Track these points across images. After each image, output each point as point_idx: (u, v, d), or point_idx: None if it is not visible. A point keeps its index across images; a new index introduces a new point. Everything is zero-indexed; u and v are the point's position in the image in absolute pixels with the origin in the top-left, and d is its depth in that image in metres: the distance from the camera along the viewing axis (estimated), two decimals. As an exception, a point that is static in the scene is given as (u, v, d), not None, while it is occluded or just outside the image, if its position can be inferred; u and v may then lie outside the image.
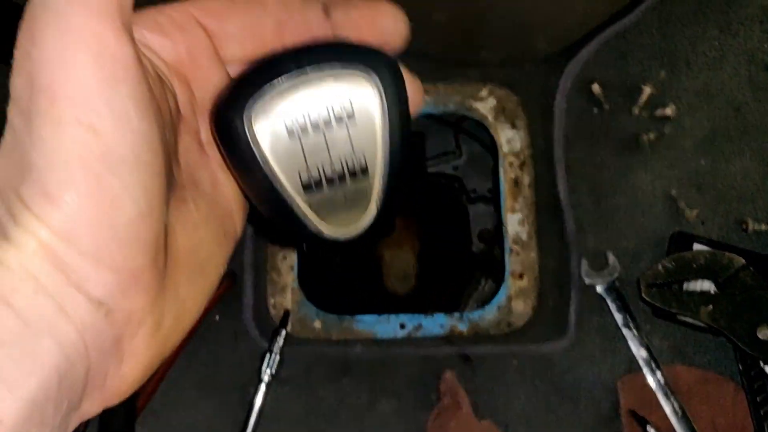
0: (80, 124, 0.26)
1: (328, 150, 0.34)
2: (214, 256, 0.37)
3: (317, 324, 1.04)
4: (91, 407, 0.30)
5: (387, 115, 0.34)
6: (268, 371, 0.96)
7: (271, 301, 1.05)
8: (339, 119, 0.34)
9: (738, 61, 0.99)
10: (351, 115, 0.34)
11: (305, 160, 0.34)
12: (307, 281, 1.06)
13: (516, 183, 1.05)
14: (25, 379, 0.25)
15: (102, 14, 0.26)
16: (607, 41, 1.00)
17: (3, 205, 0.27)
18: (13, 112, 0.27)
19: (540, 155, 1.05)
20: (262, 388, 0.96)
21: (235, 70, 0.38)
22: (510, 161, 1.06)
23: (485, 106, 1.06)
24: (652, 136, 0.98)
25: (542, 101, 1.03)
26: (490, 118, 1.06)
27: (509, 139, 1.06)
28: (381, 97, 0.34)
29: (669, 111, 0.98)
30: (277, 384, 0.97)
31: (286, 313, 1.01)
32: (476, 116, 1.06)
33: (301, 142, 0.34)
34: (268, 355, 0.96)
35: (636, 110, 0.99)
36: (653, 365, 0.94)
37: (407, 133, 0.36)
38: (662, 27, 1.00)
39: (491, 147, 1.11)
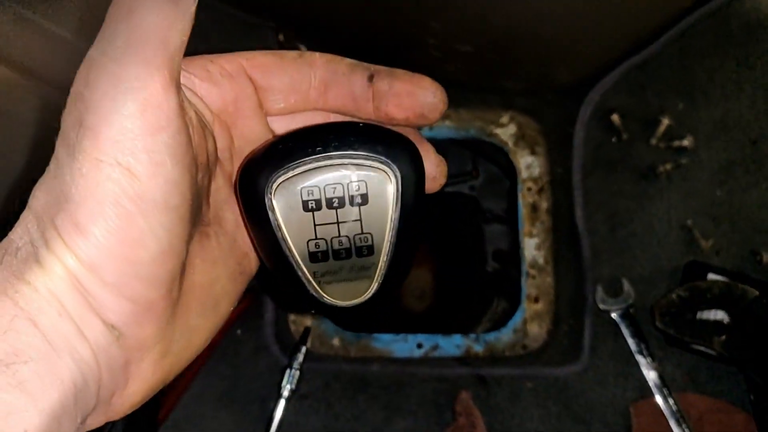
0: (118, 165, 0.28)
1: (338, 226, 0.37)
2: (228, 292, 0.38)
3: (336, 341, 1.06)
4: (95, 421, 0.32)
5: (399, 203, 0.36)
6: (288, 386, 0.98)
7: (291, 317, 1.07)
8: (352, 200, 0.36)
9: (755, 94, 1.01)
10: (365, 198, 0.36)
11: (315, 232, 0.37)
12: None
13: (534, 208, 1.07)
14: (47, 392, 0.27)
15: (153, 67, 0.29)
16: (626, 72, 1.02)
17: (39, 230, 0.29)
18: (59, 145, 0.30)
19: (558, 182, 1.07)
20: (282, 402, 0.98)
21: (277, 123, 0.40)
22: (528, 186, 1.08)
23: (506, 132, 1.08)
24: (669, 166, 1.00)
25: (562, 129, 1.06)
26: (510, 144, 1.08)
27: (528, 165, 1.08)
28: (396, 186, 0.36)
29: (686, 142, 1.00)
30: (296, 399, 0.99)
31: (307, 330, 1.03)
32: (496, 142, 1.09)
33: (314, 215, 0.36)
34: (288, 370, 0.99)
35: (654, 140, 1.01)
36: (665, 391, 0.96)
37: (418, 219, 0.38)
38: (681, 59, 1.01)
39: (508, 170, 1.13)
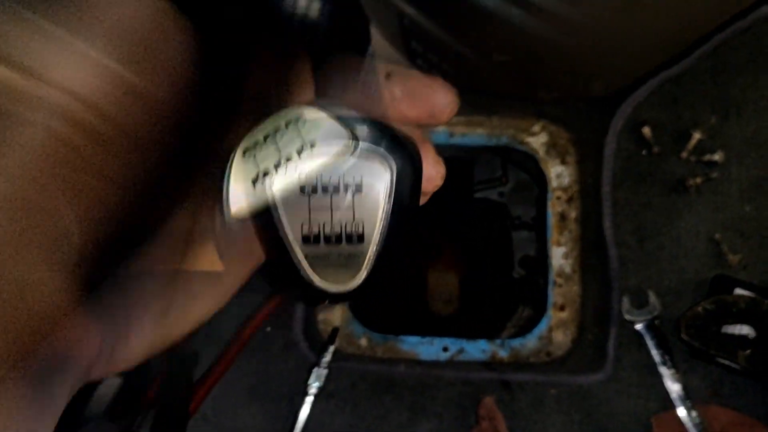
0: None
1: (331, 212, 0.38)
2: (235, 271, 0.40)
3: (363, 341, 1.08)
4: (98, 372, 0.34)
5: (392, 197, 0.38)
6: (316, 384, 1.00)
7: (320, 316, 1.10)
8: (347, 188, 0.38)
9: (788, 111, 1.01)
10: (359, 187, 0.38)
11: (309, 216, 0.38)
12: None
13: (563, 217, 1.09)
14: None
15: None
16: (660, 85, 1.03)
17: None
18: None
19: (588, 192, 1.08)
20: (309, 400, 1.00)
21: None
22: (558, 195, 1.09)
23: (537, 141, 1.09)
24: (698, 180, 1.01)
25: (593, 140, 1.07)
26: (541, 152, 1.09)
27: (558, 174, 1.09)
28: (391, 179, 0.37)
29: (717, 157, 1.00)
30: (322, 397, 1.02)
31: (335, 330, 1.05)
32: (527, 150, 1.10)
33: (309, 199, 0.38)
34: (316, 369, 1.01)
35: (684, 154, 1.02)
36: (688, 404, 0.97)
37: (409, 215, 0.39)
38: (715, 74, 1.02)
39: (538, 178, 1.14)
